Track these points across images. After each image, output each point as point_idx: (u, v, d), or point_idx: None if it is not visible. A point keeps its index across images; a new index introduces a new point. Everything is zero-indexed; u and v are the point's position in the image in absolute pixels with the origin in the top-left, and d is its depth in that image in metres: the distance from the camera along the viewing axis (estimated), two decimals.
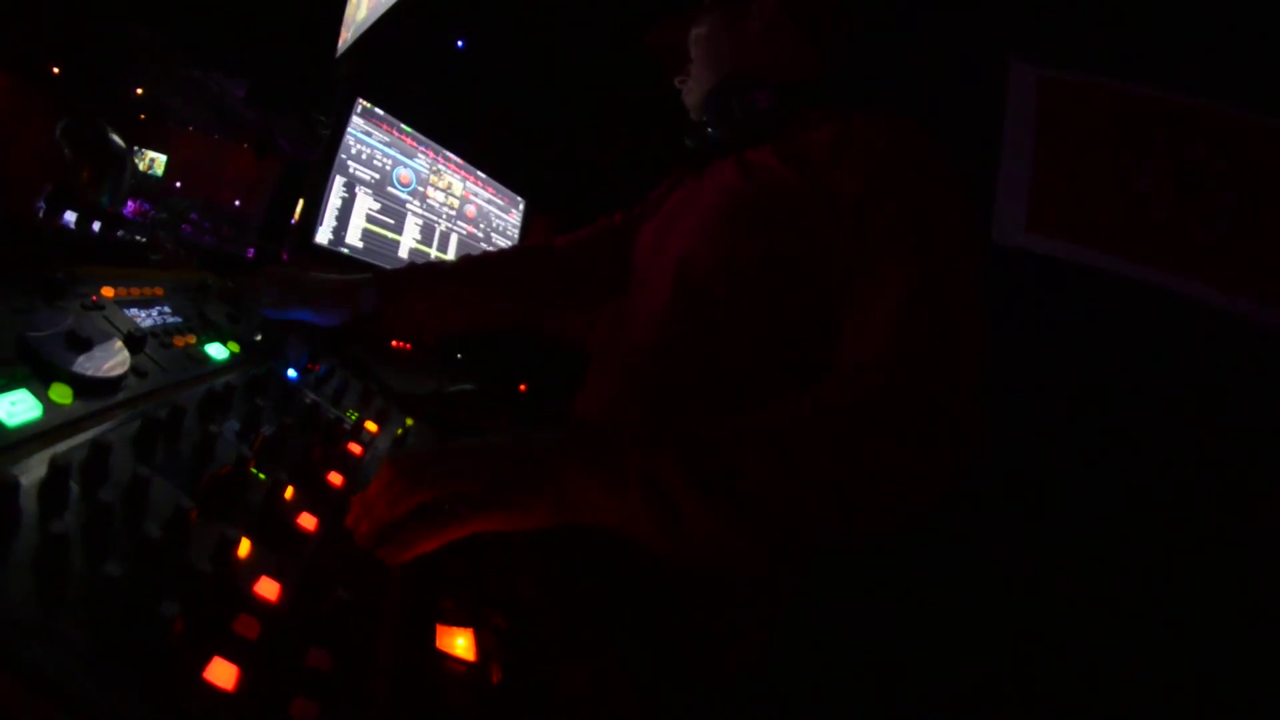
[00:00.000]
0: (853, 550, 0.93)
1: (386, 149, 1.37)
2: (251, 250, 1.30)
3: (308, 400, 0.61)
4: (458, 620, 0.43)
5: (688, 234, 0.77)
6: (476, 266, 0.95)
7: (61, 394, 0.37)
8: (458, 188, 1.59)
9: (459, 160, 1.59)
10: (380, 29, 1.60)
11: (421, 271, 0.92)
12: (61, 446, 0.34)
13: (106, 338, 0.44)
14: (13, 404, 0.34)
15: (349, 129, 1.28)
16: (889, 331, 0.53)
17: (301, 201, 1.25)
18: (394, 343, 1.29)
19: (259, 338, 0.66)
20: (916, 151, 0.65)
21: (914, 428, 0.49)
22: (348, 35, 1.86)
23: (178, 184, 8.79)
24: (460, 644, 0.41)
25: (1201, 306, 1.17)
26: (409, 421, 0.76)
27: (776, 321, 0.67)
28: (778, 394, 0.57)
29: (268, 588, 0.35)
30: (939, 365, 0.51)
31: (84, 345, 0.41)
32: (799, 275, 0.66)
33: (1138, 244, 1.21)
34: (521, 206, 1.83)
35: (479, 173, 1.66)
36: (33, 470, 0.31)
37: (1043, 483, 1.19)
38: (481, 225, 1.68)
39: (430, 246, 1.51)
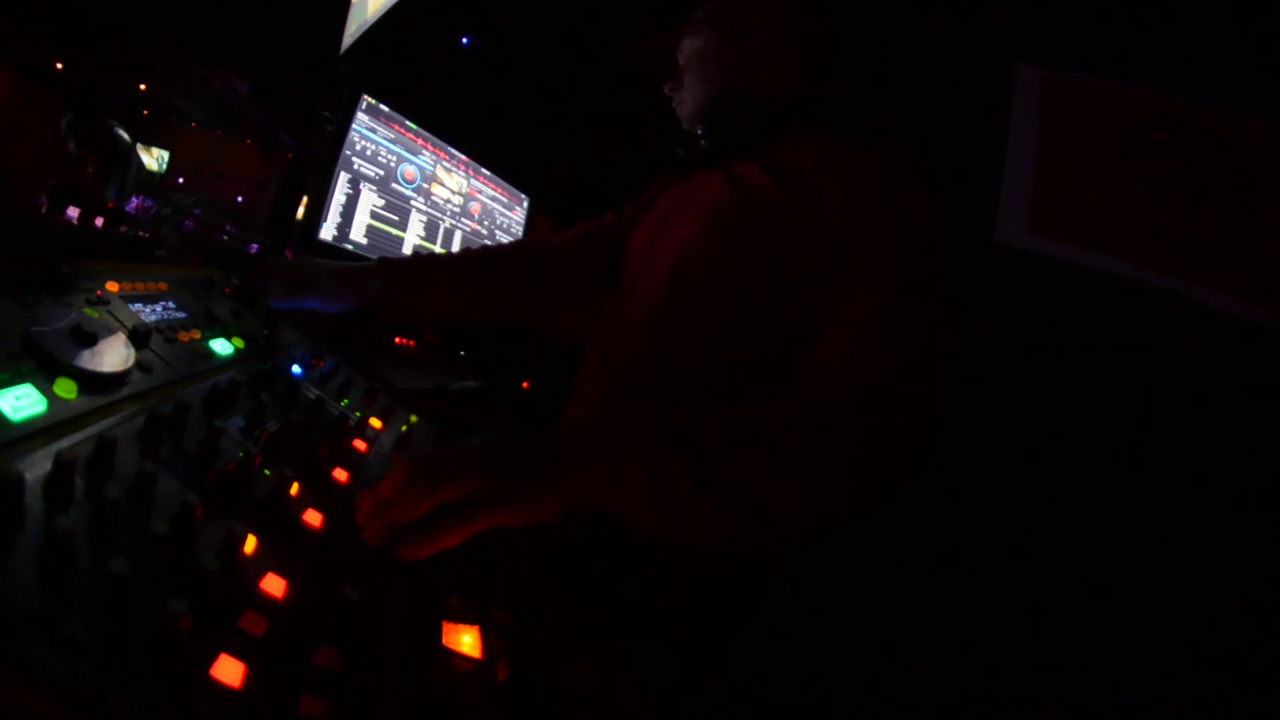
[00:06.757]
0: (841, 542, 0.99)
1: (391, 145, 1.37)
2: (255, 246, 1.29)
3: (312, 396, 0.61)
4: (464, 617, 0.43)
5: (678, 239, 0.80)
6: (475, 258, 0.99)
7: (66, 389, 0.37)
8: (462, 185, 1.59)
9: (463, 157, 1.59)
10: (385, 26, 1.59)
11: (424, 260, 0.95)
12: (66, 442, 0.34)
13: (111, 333, 0.44)
14: (17, 399, 0.34)
15: (354, 125, 1.27)
16: (858, 342, 0.60)
17: (306, 198, 1.25)
18: (397, 339, 1.29)
19: (264, 333, 0.66)
20: (897, 176, 0.69)
21: (870, 428, 0.55)
22: (352, 32, 1.85)
23: (180, 180, 8.81)
24: (466, 641, 0.41)
25: (1203, 309, 1.16)
26: (413, 418, 0.76)
27: (760, 324, 0.71)
28: (759, 389, 0.62)
29: (274, 584, 0.34)
30: (897, 375, 0.57)
31: (89, 340, 0.41)
32: (781, 282, 0.70)
33: (1140, 246, 1.21)
34: (525, 204, 1.82)
35: (483, 170, 1.66)
36: (37, 466, 0.31)
37: (1042, 483, 1.18)
38: (485, 223, 1.67)
39: (434, 244, 1.50)
